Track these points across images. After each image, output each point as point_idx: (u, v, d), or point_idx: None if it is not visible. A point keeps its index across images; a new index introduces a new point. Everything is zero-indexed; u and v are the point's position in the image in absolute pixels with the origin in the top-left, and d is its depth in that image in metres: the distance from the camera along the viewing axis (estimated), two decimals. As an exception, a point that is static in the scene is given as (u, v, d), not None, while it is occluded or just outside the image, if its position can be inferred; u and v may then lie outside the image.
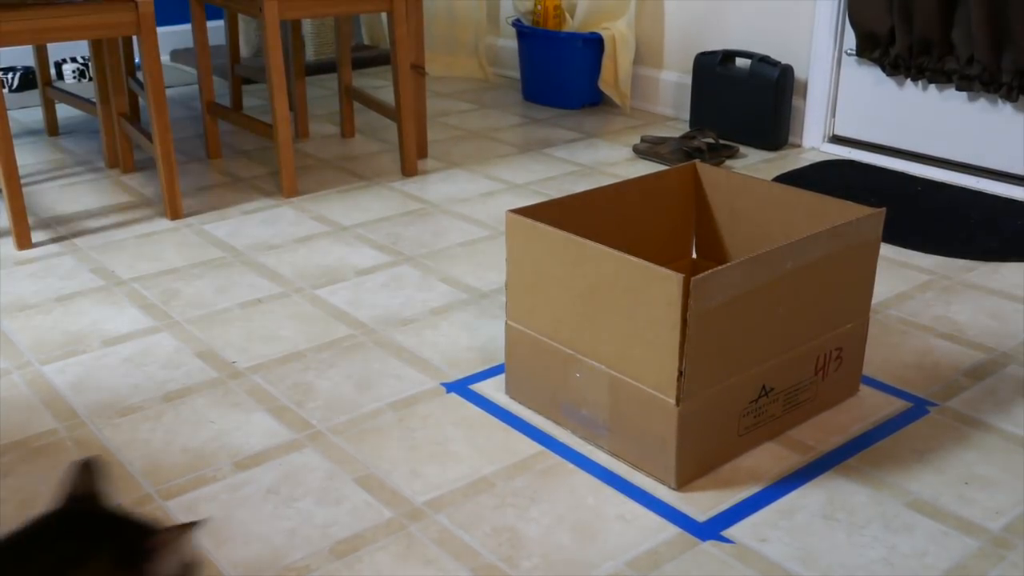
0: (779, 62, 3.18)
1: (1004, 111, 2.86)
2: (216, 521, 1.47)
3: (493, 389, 1.82)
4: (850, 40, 3.11)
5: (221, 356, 1.95)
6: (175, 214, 2.64)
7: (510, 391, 1.80)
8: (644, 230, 1.89)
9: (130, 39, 3.10)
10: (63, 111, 3.46)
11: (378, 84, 4.08)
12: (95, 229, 2.58)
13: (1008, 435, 1.68)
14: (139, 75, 2.87)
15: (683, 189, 1.95)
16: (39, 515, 0.93)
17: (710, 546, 1.42)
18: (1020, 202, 2.78)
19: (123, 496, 1.52)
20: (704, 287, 1.43)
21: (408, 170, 3.01)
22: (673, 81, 3.62)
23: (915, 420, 1.73)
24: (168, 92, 3.09)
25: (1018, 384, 1.85)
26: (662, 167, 2.92)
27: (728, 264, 1.48)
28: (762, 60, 3.20)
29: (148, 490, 1.54)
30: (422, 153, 3.16)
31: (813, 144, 3.28)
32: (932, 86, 2.99)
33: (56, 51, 3.88)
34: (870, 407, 1.77)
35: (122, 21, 2.45)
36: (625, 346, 1.53)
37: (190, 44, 3.38)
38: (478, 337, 2.02)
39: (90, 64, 2.94)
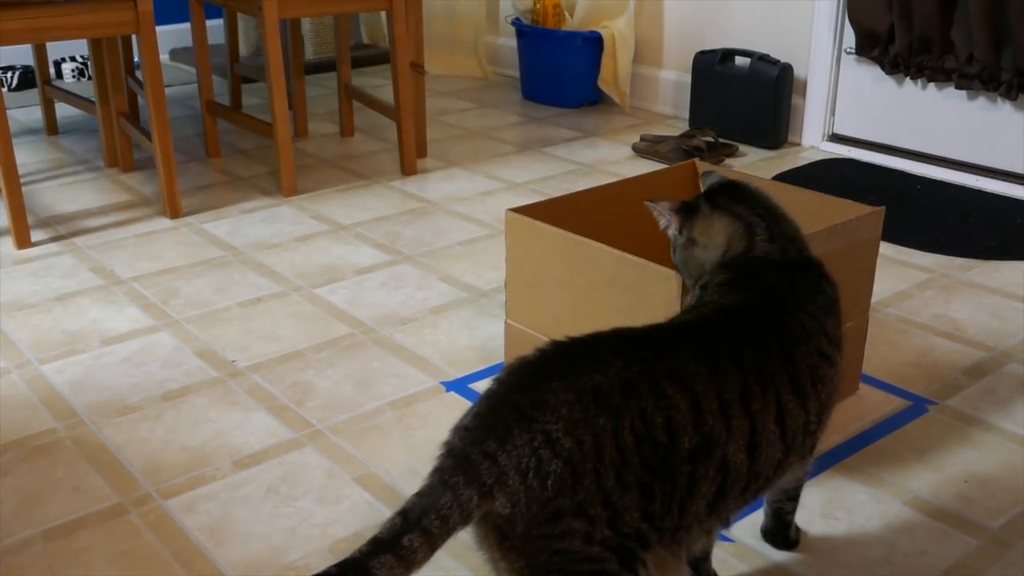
0: (778, 60, 3.18)
1: (1003, 110, 2.86)
2: (215, 520, 1.47)
3: (493, 388, 1.82)
4: (850, 38, 3.11)
5: (220, 355, 1.95)
6: (174, 213, 2.64)
7: (510, 390, 1.79)
8: (643, 229, 1.88)
9: (129, 38, 3.09)
10: (62, 110, 3.46)
11: (377, 83, 4.07)
12: (94, 228, 2.58)
13: (1007, 433, 1.68)
14: (138, 74, 2.87)
15: (682, 188, 1.95)
16: None
17: (710, 545, 1.42)
18: (1020, 200, 2.78)
19: (122, 495, 1.52)
20: (703, 286, 1.42)
21: (407, 169, 3.01)
22: (672, 80, 3.62)
23: (914, 419, 1.73)
24: (167, 91, 3.09)
25: (1017, 382, 1.85)
26: (661, 166, 2.92)
27: (727, 263, 1.47)
28: (761, 59, 3.20)
29: (148, 489, 1.54)
30: (421, 152, 3.16)
31: (812, 143, 3.28)
32: (932, 85, 2.99)
33: (55, 50, 3.88)
34: (869, 406, 1.77)
35: (121, 20, 2.45)
36: (625, 345, 1.53)
37: (189, 43, 3.38)
38: (477, 336, 2.02)
39: (89, 63, 2.94)
